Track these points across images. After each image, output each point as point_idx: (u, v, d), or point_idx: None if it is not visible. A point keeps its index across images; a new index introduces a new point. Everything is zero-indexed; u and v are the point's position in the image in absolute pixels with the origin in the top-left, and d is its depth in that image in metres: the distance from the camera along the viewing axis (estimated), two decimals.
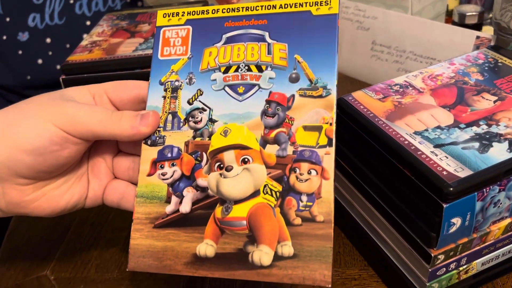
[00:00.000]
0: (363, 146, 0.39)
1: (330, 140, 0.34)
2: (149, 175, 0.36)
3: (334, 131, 0.34)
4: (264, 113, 0.36)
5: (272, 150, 0.35)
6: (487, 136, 0.35)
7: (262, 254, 0.32)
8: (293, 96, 0.36)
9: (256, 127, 0.35)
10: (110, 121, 0.35)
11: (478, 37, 0.57)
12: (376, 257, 0.42)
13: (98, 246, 0.49)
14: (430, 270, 0.35)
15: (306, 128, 0.35)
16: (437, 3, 0.70)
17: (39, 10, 0.84)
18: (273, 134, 0.35)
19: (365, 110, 0.40)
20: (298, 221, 0.33)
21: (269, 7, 0.38)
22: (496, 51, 0.45)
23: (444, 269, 0.36)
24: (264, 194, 0.34)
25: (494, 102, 0.39)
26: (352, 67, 0.71)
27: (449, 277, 0.36)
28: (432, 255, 0.34)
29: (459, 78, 0.42)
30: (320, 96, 0.35)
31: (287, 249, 0.32)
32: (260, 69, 0.37)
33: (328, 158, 0.34)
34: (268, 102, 0.36)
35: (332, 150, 0.34)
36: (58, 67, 0.84)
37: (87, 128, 0.35)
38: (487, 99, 0.39)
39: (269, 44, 0.37)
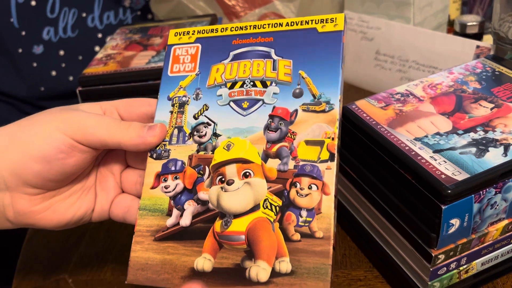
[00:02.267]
0: (366, 152, 0.41)
1: (332, 155, 0.34)
2: (153, 187, 0.37)
3: (336, 146, 0.34)
4: (267, 127, 0.36)
5: (273, 164, 0.35)
6: (484, 142, 0.37)
7: (259, 270, 0.32)
8: (296, 111, 0.36)
9: (258, 141, 0.36)
10: (118, 130, 0.36)
11: (478, 46, 0.59)
12: (381, 258, 0.43)
13: (114, 250, 0.51)
14: (431, 269, 0.37)
15: (308, 142, 0.35)
16: (439, 13, 0.72)
17: (53, 24, 0.87)
18: (275, 148, 0.35)
19: (368, 118, 0.42)
20: (297, 236, 0.33)
21: (275, 25, 0.39)
22: (494, 61, 0.47)
23: (445, 268, 0.37)
24: (264, 208, 0.34)
25: (491, 109, 0.41)
26: (357, 76, 0.73)
27: (450, 276, 0.38)
28: (433, 255, 0.36)
29: (458, 87, 0.44)
30: (323, 111, 0.35)
31: (284, 265, 0.32)
32: (265, 85, 0.37)
33: (329, 173, 0.33)
34: (271, 116, 0.36)
35: (333, 165, 0.34)
36: (71, 78, 0.87)
37: (95, 135, 0.35)
38: (484, 107, 0.41)
39: (274, 60, 0.38)
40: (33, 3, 0.84)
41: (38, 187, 0.36)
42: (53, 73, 0.87)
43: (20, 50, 0.85)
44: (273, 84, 0.37)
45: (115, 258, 0.50)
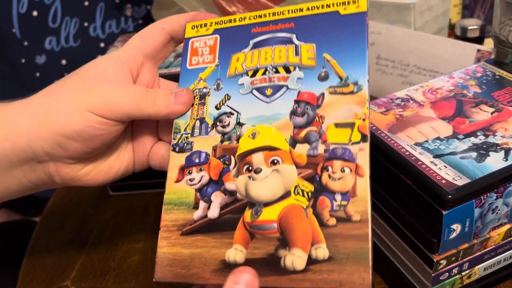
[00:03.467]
0: None
1: (364, 136, 0.33)
2: (177, 181, 0.36)
3: (368, 127, 0.33)
4: (293, 113, 0.35)
5: (302, 149, 0.33)
6: (484, 146, 0.37)
7: (294, 258, 0.31)
8: (322, 94, 0.35)
9: (285, 127, 0.35)
10: (145, 102, 0.36)
11: (479, 50, 0.59)
12: (383, 264, 0.43)
13: (116, 257, 0.51)
14: (433, 275, 0.36)
15: (337, 125, 0.34)
16: (440, 17, 0.72)
17: (55, 34, 0.88)
18: (303, 133, 0.34)
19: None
20: (332, 221, 0.31)
21: (295, 11, 0.38)
22: (494, 65, 0.47)
23: (447, 274, 0.37)
24: (295, 195, 0.32)
25: (492, 113, 0.40)
26: None
27: (452, 282, 0.38)
28: (434, 260, 0.36)
29: (458, 91, 0.44)
30: (351, 93, 0.34)
31: (321, 251, 0.30)
32: (288, 70, 0.36)
33: (362, 154, 0.32)
34: (297, 102, 0.35)
35: (366, 146, 0.32)
36: None
37: (122, 110, 0.35)
38: (484, 111, 0.41)
39: (296, 45, 0.37)
40: (35, 13, 0.85)
41: (78, 158, 0.37)
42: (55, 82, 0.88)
43: (23, 60, 0.86)
44: (297, 69, 0.36)
45: (117, 265, 0.50)
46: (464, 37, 0.66)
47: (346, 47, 0.35)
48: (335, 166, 0.32)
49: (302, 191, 0.32)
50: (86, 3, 0.89)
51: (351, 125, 0.33)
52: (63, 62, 0.89)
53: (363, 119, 0.33)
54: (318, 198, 0.32)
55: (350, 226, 0.31)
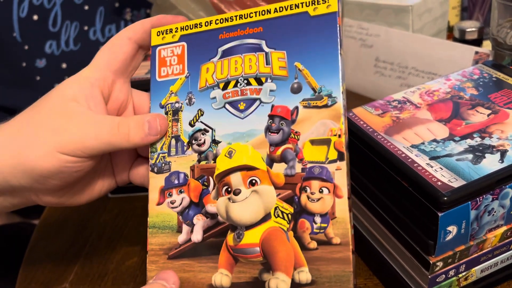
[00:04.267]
0: (363, 159, 0.41)
1: (340, 154, 0.32)
2: (159, 204, 0.36)
3: (345, 144, 0.32)
4: (268, 129, 0.34)
5: (279, 169, 0.33)
6: (480, 148, 0.37)
7: (279, 282, 0.31)
8: (296, 108, 0.33)
9: (261, 145, 0.34)
10: (118, 138, 0.35)
11: (477, 52, 0.59)
12: (380, 266, 0.43)
13: (114, 260, 0.51)
14: (429, 277, 0.36)
15: (313, 142, 0.33)
16: (438, 19, 0.72)
17: (55, 37, 0.88)
18: (279, 151, 0.33)
19: (365, 125, 0.42)
20: (313, 244, 0.31)
21: (263, 13, 0.36)
22: (491, 67, 0.47)
23: (444, 276, 0.37)
24: (276, 217, 0.32)
25: (488, 115, 0.40)
26: (357, 83, 0.73)
27: (449, 283, 0.38)
28: (431, 262, 0.36)
29: (455, 93, 0.44)
30: (325, 106, 0.33)
31: (304, 275, 0.30)
32: (259, 82, 0.35)
33: (340, 174, 0.31)
34: (271, 117, 0.34)
35: (343, 164, 0.31)
36: None
37: (94, 149, 0.35)
38: (481, 113, 0.41)
39: (266, 53, 0.35)
40: (35, 17, 0.85)
41: (56, 190, 0.37)
42: (56, 85, 0.88)
43: (23, 64, 0.86)
44: (269, 80, 0.35)
45: (115, 267, 0.50)
46: (462, 39, 0.66)
47: (318, 53, 0.33)
48: (313, 186, 0.32)
49: (282, 213, 0.32)
50: (86, 7, 0.89)
51: (327, 142, 0.32)
52: (64, 65, 0.89)
53: (339, 135, 0.32)
54: (298, 221, 0.32)
55: (331, 249, 0.30)
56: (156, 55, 0.39)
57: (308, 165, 0.32)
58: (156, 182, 0.36)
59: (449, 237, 0.35)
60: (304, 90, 0.34)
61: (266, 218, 0.32)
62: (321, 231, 0.31)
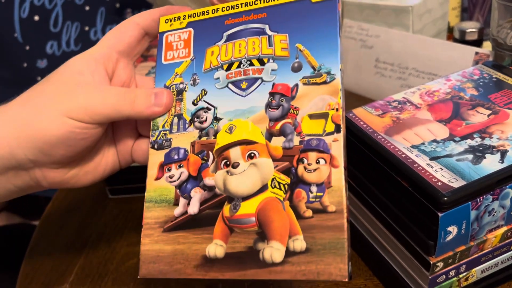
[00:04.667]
0: (364, 160, 0.41)
1: (337, 126, 0.33)
2: (157, 178, 0.36)
3: (342, 117, 0.33)
4: (268, 105, 0.35)
5: (278, 142, 0.34)
6: (481, 148, 0.37)
7: (273, 251, 0.31)
8: (296, 85, 0.35)
9: (261, 120, 0.35)
10: (124, 104, 0.36)
11: (477, 53, 0.59)
12: (380, 266, 0.43)
13: (114, 260, 0.51)
14: (430, 277, 0.36)
15: (311, 116, 0.34)
16: (438, 20, 0.72)
17: (56, 38, 0.88)
18: (278, 126, 0.35)
19: (365, 126, 0.42)
20: (309, 213, 0.32)
21: (267, 0, 0.38)
22: (491, 67, 0.47)
23: (444, 276, 0.37)
24: (273, 188, 0.33)
25: (488, 115, 0.40)
26: (358, 84, 0.73)
27: (449, 284, 0.38)
28: (431, 262, 0.36)
29: (455, 94, 0.44)
30: (324, 83, 0.34)
31: (299, 243, 0.31)
32: (262, 62, 0.36)
33: (336, 145, 0.33)
34: (272, 94, 0.35)
35: (340, 136, 0.33)
36: None
37: (101, 114, 0.35)
38: (481, 113, 0.41)
39: (269, 36, 0.37)
40: (36, 18, 0.85)
41: (63, 163, 0.37)
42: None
43: (24, 65, 0.87)
44: (271, 60, 0.36)
45: (115, 268, 0.50)
46: (462, 40, 0.66)
47: (319, 36, 0.35)
48: (310, 158, 0.33)
49: (279, 183, 0.33)
50: (87, 8, 0.89)
51: (325, 116, 0.34)
52: None
53: (337, 109, 0.33)
54: (295, 190, 0.32)
55: (326, 217, 0.31)
56: (163, 40, 0.40)
57: (306, 138, 0.33)
58: (155, 158, 0.37)
59: (450, 237, 0.35)
60: (304, 69, 0.35)
61: (263, 189, 0.33)
62: (317, 200, 0.32)
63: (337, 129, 0.33)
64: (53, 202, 0.62)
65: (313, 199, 0.32)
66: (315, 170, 0.32)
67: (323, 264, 0.30)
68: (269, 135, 0.35)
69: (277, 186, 0.33)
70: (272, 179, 0.33)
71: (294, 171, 0.33)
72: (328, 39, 0.35)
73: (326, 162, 0.32)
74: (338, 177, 0.32)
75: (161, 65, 0.40)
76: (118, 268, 0.50)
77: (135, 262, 0.50)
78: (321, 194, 0.32)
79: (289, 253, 0.31)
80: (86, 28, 0.90)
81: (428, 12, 0.70)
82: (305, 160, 0.33)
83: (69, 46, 0.89)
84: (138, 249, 0.52)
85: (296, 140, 0.34)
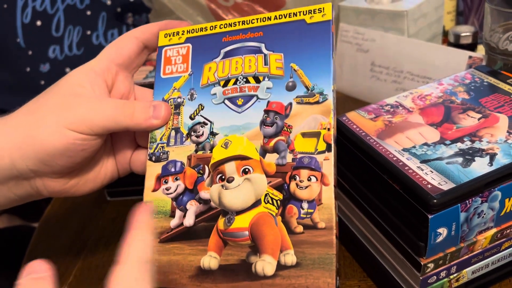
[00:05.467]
0: (356, 162, 0.42)
1: (328, 145, 0.34)
2: (154, 190, 0.37)
3: (333, 136, 0.34)
4: (263, 122, 0.36)
5: (271, 159, 0.35)
6: (470, 152, 0.38)
7: (265, 264, 0.32)
8: (290, 104, 0.36)
9: (255, 137, 0.36)
10: (123, 116, 0.37)
11: (470, 57, 0.60)
12: (373, 268, 0.44)
13: (113, 262, 0.52)
14: (421, 278, 0.37)
15: (304, 135, 0.35)
16: (433, 24, 0.73)
17: (58, 42, 0.89)
18: (272, 143, 0.36)
19: (358, 129, 0.42)
20: (299, 229, 0.33)
21: (264, 19, 0.39)
22: (483, 71, 0.47)
23: (435, 277, 0.38)
24: (265, 203, 0.34)
25: (479, 119, 0.41)
26: (353, 87, 0.74)
27: (440, 285, 0.38)
28: (422, 263, 0.36)
29: (447, 98, 0.45)
30: (317, 102, 0.36)
31: (289, 258, 0.32)
32: (257, 80, 0.38)
33: (327, 163, 0.34)
34: (267, 111, 0.37)
35: (331, 155, 0.34)
36: None
37: (100, 126, 0.36)
38: (472, 117, 0.42)
39: (265, 55, 0.38)
40: (39, 22, 0.86)
41: (63, 173, 0.38)
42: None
43: (28, 69, 0.87)
44: (266, 79, 0.38)
45: None
46: (457, 44, 0.67)
47: (312, 56, 0.37)
48: (302, 175, 0.34)
49: (272, 199, 0.34)
50: (88, 13, 0.90)
51: (317, 135, 0.35)
52: (67, 70, 0.90)
53: (328, 129, 0.35)
54: (287, 206, 0.34)
55: (316, 233, 0.32)
56: (162, 55, 0.41)
57: (299, 156, 0.35)
58: (153, 170, 0.38)
59: (440, 239, 0.35)
60: (298, 88, 0.36)
61: (256, 204, 0.34)
62: (308, 216, 0.33)
63: (328, 148, 0.34)
64: (53, 205, 0.63)
65: (304, 215, 0.33)
66: (306, 187, 0.34)
67: (312, 278, 0.31)
68: (263, 152, 0.36)
69: (270, 201, 0.34)
70: (265, 195, 0.34)
71: (286, 187, 0.34)
72: (321, 60, 0.36)
73: (317, 179, 0.34)
74: (329, 195, 0.33)
75: (160, 79, 0.41)
76: None
77: None
78: (312, 210, 0.33)
79: (280, 266, 0.32)
80: (88, 32, 0.91)
81: (423, 17, 0.70)
82: (297, 177, 0.34)
83: (72, 50, 0.90)
84: None
85: (289, 157, 0.35)
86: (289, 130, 0.36)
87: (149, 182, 0.38)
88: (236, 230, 0.34)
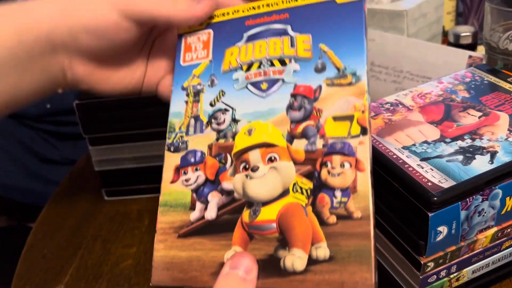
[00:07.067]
0: None
1: (363, 128, 0.32)
2: (172, 182, 0.35)
3: (368, 119, 0.32)
4: (290, 107, 0.34)
5: (300, 145, 0.33)
6: (471, 149, 0.37)
7: (294, 259, 0.30)
8: (320, 86, 0.34)
9: (281, 123, 0.34)
10: (167, 3, 0.36)
11: (470, 56, 0.59)
12: None
13: (109, 261, 0.51)
14: (421, 277, 0.37)
15: (336, 118, 0.33)
16: (433, 24, 0.73)
17: None
18: (300, 128, 0.33)
19: None
20: (333, 219, 0.30)
21: (290, 1, 0.37)
22: (483, 70, 0.47)
23: (435, 276, 0.37)
24: (294, 192, 0.31)
25: (479, 117, 0.41)
26: None
27: (440, 284, 0.38)
28: (422, 262, 0.36)
29: (447, 96, 0.44)
30: (350, 84, 0.33)
31: (322, 251, 0.29)
32: (283, 63, 0.36)
33: (362, 148, 0.31)
34: (294, 95, 0.34)
35: (366, 139, 0.31)
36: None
37: (145, 9, 0.35)
38: (472, 115, 0.41)
39: (291, 37, 0.36)
40: None
41: (91, 55, 0.37)
42: (59, 90, 0.89)
43: None
44: (292, 61, 0.35)
45: (110, 269, 0.50)
46: (457, 44, 0.67)
47: (343, 36, 0.34)
48: (334, 161, 0.31)
49: (301, 188, 0.31)
50: None
51: (350, 118, 0.32)
52: None
53: (363, 111, 0.32)
54: (318, 195, 0.31)
55: (351, 224, 0.30)
56: (182, 42, 0.40)
57: (330, 141, 0.32)
58: (171, 161, 0.36)
59: (440, 237, 0.35)
60: (328, 69, 0.34)
61: (284, 194, 0.32)
62: (342, 205, 0.30)
63: (363, 131, 0.32)
64: (50, 203, 0.63)
65: (338, 205, 0.30)
66: (339, 174, 0.31)
67: (347, 273, 0.28)
68: (291, 138, 0.33)
69: (299, 190, 0.31)
70: (294, 184, 0.32)
71: (317, 175, 0.31)
72: (354, 40, 0.34)
73: (351, 165, 0.31)
74: (364, 181, 0.30)
75: (180, 67, 0.39)
76: (113, 269, 0.50)
77: (130, 263, 0.51)
78: (346, 199, 0.30)
79: (311, 261, 0.29)
80: None
81: (423, 16, 0.70)
82: (329, 164, 0.31)
83: None
84: (132, 251, 0.52)
85: (319, 143, 0.32)
86: (318, 115, 0.33)
87: (167, 173, 0.35)
88: (263, 222, 0.31)
